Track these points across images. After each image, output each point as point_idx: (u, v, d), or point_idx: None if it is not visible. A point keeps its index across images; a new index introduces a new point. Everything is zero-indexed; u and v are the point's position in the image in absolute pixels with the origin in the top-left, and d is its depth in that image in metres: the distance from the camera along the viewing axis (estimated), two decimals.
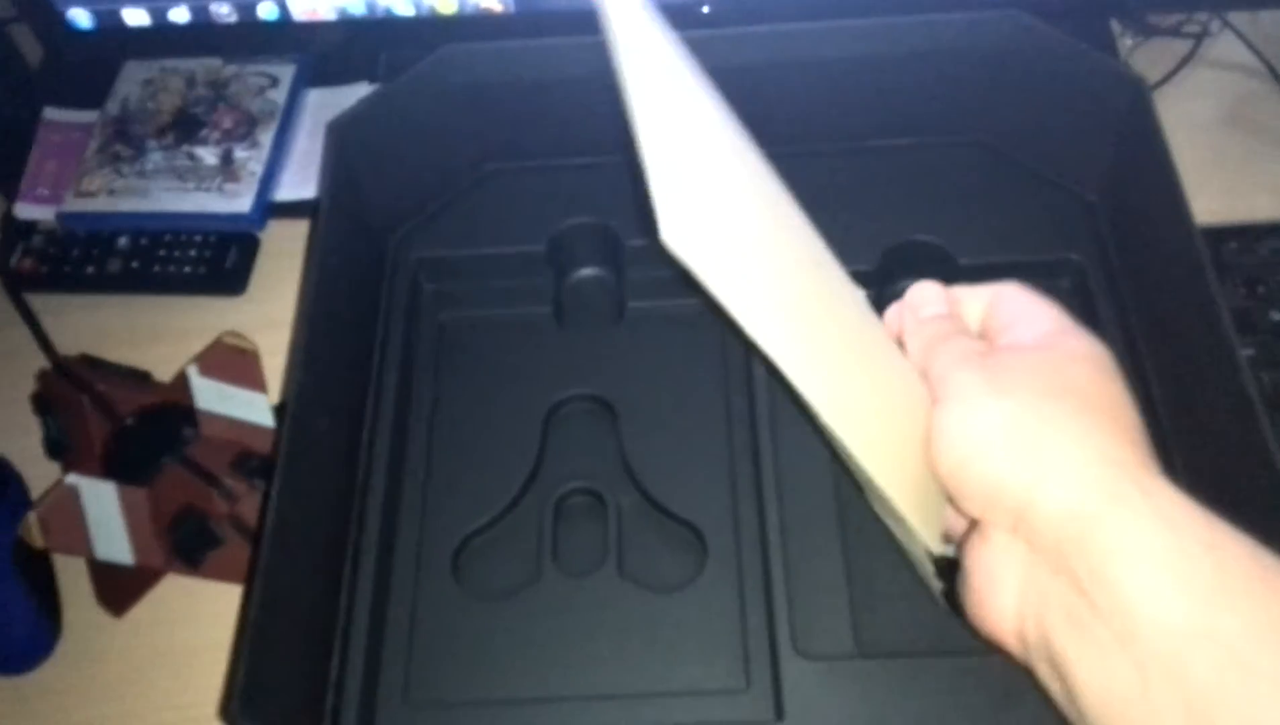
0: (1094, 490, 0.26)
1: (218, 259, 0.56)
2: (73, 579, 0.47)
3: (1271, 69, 0.58)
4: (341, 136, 0.43)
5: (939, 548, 0.32)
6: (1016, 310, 0.32)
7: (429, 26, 0.57)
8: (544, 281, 0.47)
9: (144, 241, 0.56)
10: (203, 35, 0.58)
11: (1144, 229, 0.42)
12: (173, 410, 0.46)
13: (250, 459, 0.45)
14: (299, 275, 0.55)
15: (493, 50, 0.45)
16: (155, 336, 0.54)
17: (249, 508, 0.44)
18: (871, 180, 0.46)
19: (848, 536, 0.39)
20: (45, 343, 0.45)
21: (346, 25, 0.58)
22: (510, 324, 0.46)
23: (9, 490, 0.47)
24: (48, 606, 0.45)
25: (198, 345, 0.49)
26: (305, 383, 0.36)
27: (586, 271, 0.48)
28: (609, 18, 0.25)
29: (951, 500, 0.30)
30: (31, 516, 0.43)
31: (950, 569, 0.33)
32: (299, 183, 0.57)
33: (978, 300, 0.33)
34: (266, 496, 0.33)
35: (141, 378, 0.49)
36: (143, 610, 0.46)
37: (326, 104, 0.60)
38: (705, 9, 0.55)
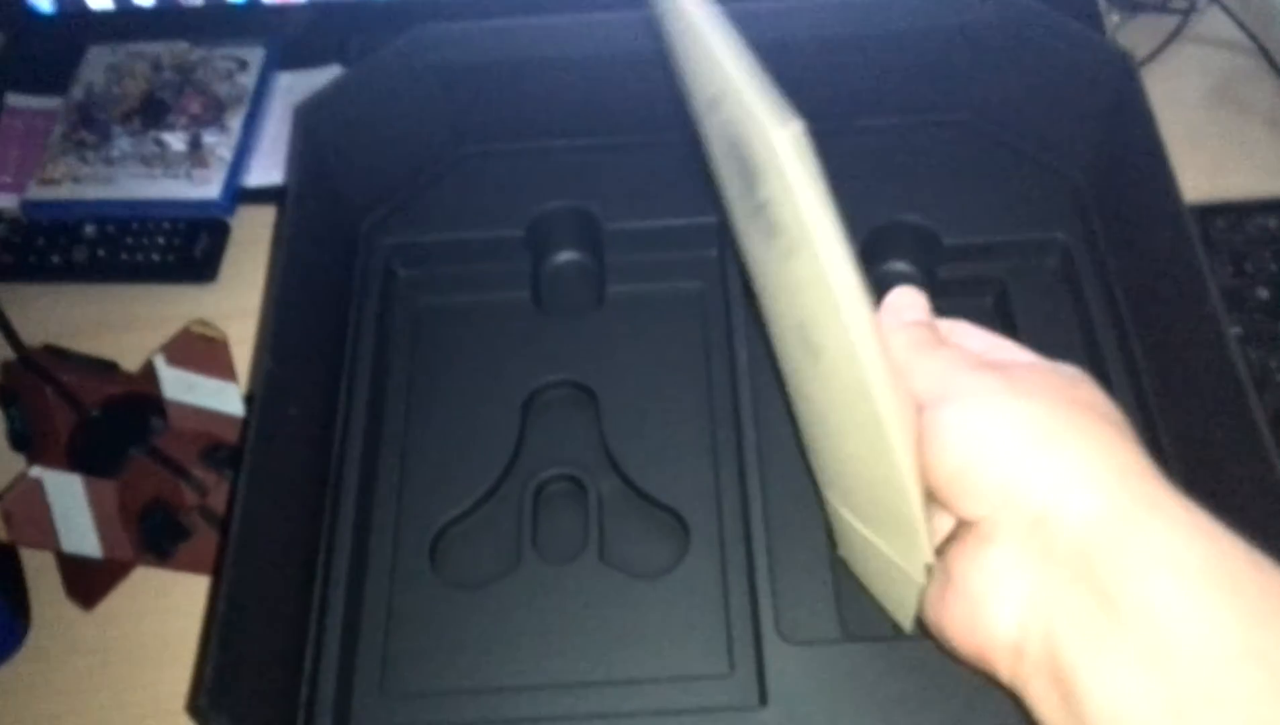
0: (1127, 496, 0.24)
1: (187, 246, 0.54)
2: (41, 573, 0.46)
3: (1260, 45, 0.57)
4: (310, 120, 0.42)
5: (928, 559, 0.30)
6: (990, 340, 0.31)
7: (401, 8, 0.56)
8: (522, 266, 0.46)
9: (111, 229, 0.55)
10: (168, 19, 0.57)
11: (1132, 207, 0.41)
12: (140, 401, 0.45)
13: (220, 449, 0.44)
14: (268, 267, 0.54)
15: (466, 30, 0.44)
16: (124, 326, 0.53)
17: (219, 499, 0.43)
18: (856, 159, 0.45)
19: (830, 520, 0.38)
20: (9, 333, 0.44)
21: (316, 7, 0.56)
22: (487, 310, 0.45)
23: None
24: (15, 600, 0.44)
25: (168, 334, 0.48)
26: (273, 370, 0.35)
27: (565, 256, 0.47)
28: None
29: (941, 504, 0.28)
30: None
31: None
32: (269, 168, 0.56)
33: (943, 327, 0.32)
34: (235, 486, 0.32)
35: (108, 368, 0.48)
36: (113, 603, 0.45)
37: (297, 87, 0.58)
38: None
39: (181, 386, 0.43)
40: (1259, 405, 0.33)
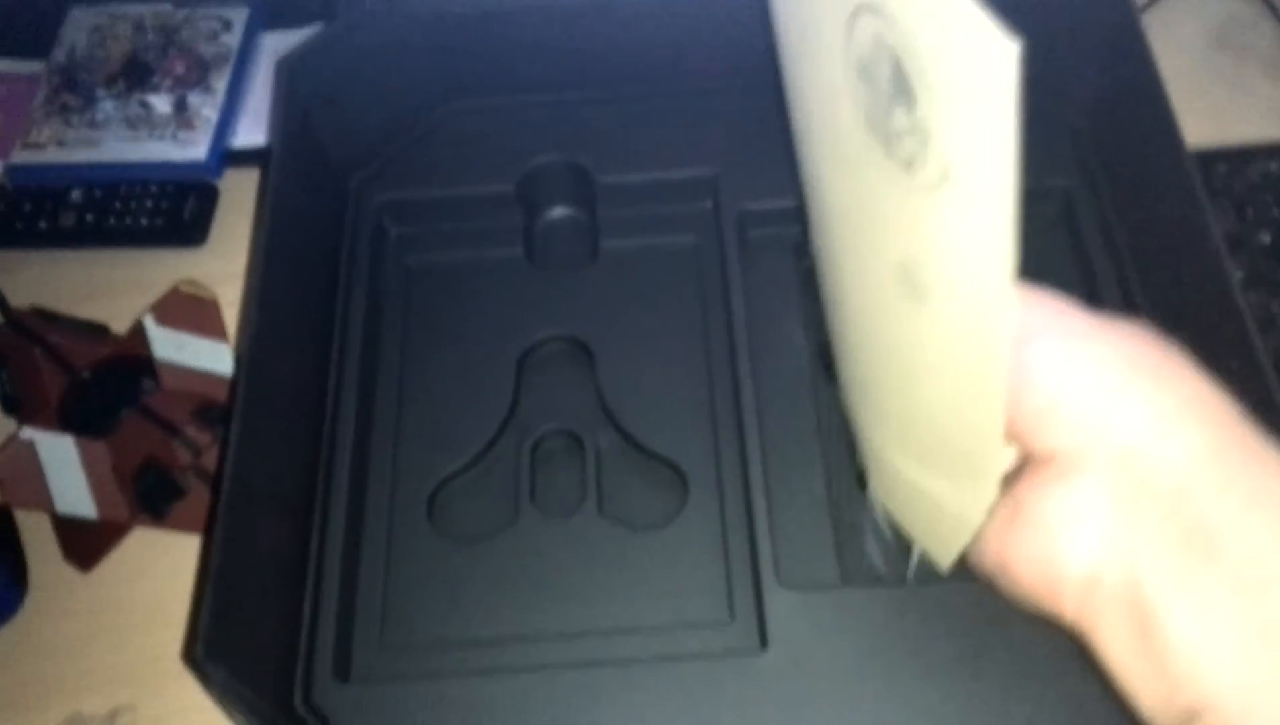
0: (1226, 435, 0.24)
1: (175, 210, 0.54)
2: (38, 537, 0.46)
3: None
4: (294, 73, 0.41)
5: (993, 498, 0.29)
6: None
7: None
8: (514, 222, 0.45)
9: (98, 194, 0.54)
10: None
11: (1133, 152, 0.41)
12: (130, 362, 0.44)
13: (213, 409, 0.43)
14: (253, 228, 0.53)
15: None
16: (113, 291, 0.52)
17: (213, 459, 0.43)
18: None
19: (830, 467, 0.38)
20: None
21: None
22: (480, 266, 0.45)
23: None
24: (13, 564, 0.44)
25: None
26: (261, 324, 0.35)
27: (558, 211, 0.46)
28: None
29: (1014, 437, 0.27)
30: None
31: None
32: (256, 129, 0.55)
33: None
34: (226, 437, 0.32)
35: (98, 330, 0.48)
36: (110, 565, 0.45)
37: (282, 47, 0.57)
38: None
39: (172, 346, 0.43)
40: (1263, 348, 0.32)
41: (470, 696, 0.33)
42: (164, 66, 0.57)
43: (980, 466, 0.27)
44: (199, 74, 0.56)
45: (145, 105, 0.56)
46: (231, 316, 0.49)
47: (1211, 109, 0.53)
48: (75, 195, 0.54)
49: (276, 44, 0.58)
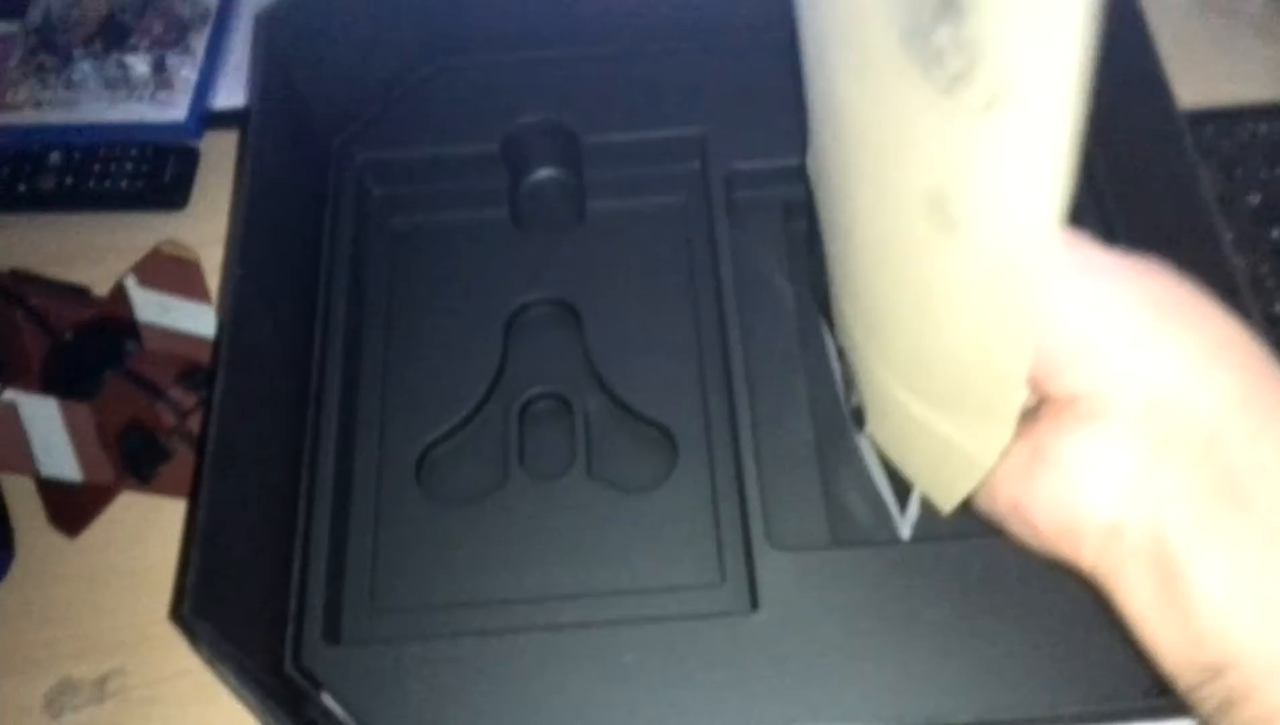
0: (1258, 382, 0.24)
1: (156, 172, 0.53)
2: (24, 503, 0.45)
3: None
4: (274, 28, 0.41)
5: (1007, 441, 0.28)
6: None
7: None
8: (499, 183, 0.45)
9: (77, 157, 0.53)
10: None
11: (1122, 112, 0.41)
12: (113, 324, 0.44)
13: (197, 371, 0.43)
14: (234, 189, 0.52)
15: None
16: (94, 255, 0.51)
17: (198, 421, 0.42)
18: None
19: (820, 428, 0.38)
20: None
21: None
22: (465, 228, 0.44)
23: None
24: None
25: None
26: (243, 284, 0.34)
27: (544, 172, 0.46)
28: None
29: (1036, 379, 0.26)
30: None
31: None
32: (238, 89, 0.54)
33: None
34: (210, 396, 0.32)
35: (79, 293, 0.47)
36: (97, 531, 0.45)
37: (264, 5, 0.56)
38: None
39: (154, 308, 0.43)
40: (1255, 308, 0.32)
41: (460, 658, 0.34)
42: (141, 26, 0.56)
43: (998, 406, 0.26)
44: (177, 34, 0.55)
45: (123, 66, 0.54)
46: (214, 280, 0.48)
47: (1200, 70, 0.52)
48: (54, 158, 0.53)
49: (256, 3, 0.57)
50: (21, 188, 0.53)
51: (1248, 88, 0.52)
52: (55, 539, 0.45)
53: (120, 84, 0.54)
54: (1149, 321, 0.24)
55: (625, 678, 0.33)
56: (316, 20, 0.42)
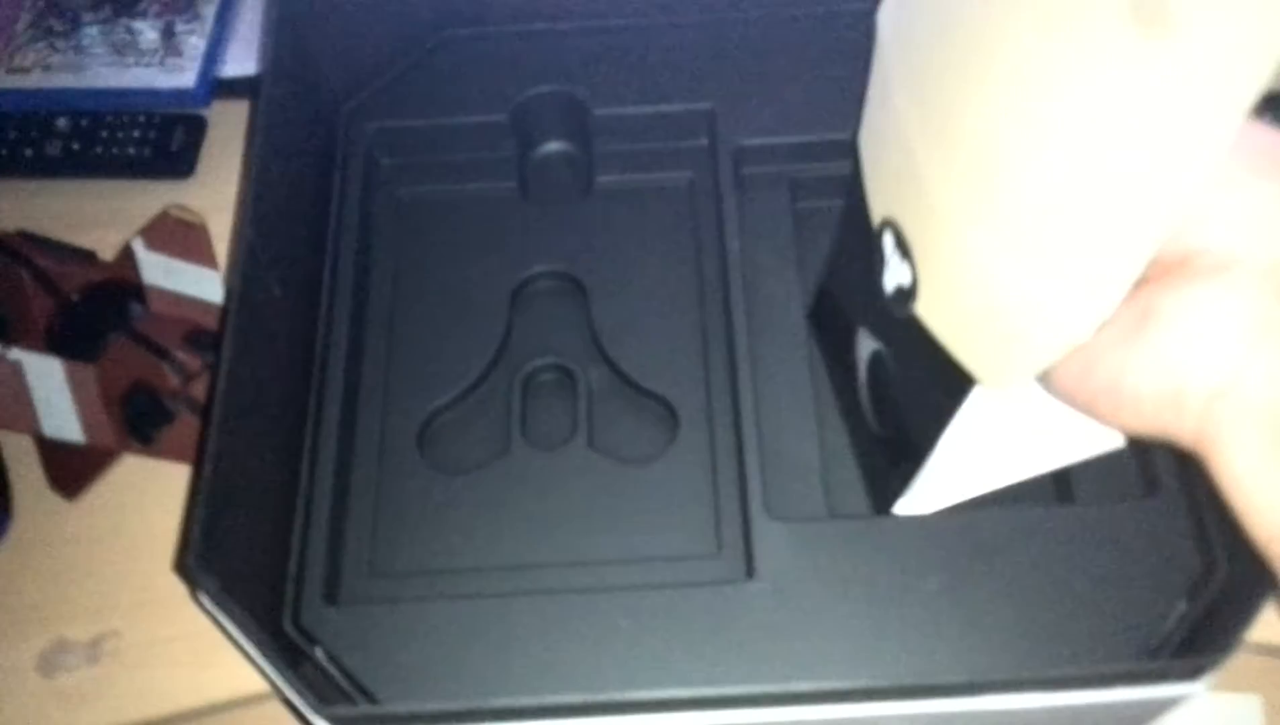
0: None
1: (163, 140, 0.53)
2: (24, 466, 0.45)
3: None
4: None
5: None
6: None
7: None
8: (508, 154, 0.45)
9: (84, 122, 0.53)
10: None
11: None
12: (119, 287, 0.44)
13: (202, 335, 0.43)
14: (244, 156, 0.52)
15: None
16: (99, 221, 0.52)
17: (202, 387, 0.42)
18: (846, 46, 0.44)
19: (821, 402, 0.38)
20: None
21: None
22: (473, 198, 0.44)
23: None
24: None
25: None
26: (254, 243, 0.35)
27: (553, 144, 0.46)
28: None
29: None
30: None
31: None
32: (246, 58, 0.55)
33: None
34: (216, 366, 0.32)
35: (86, 256, 0.47)
36: (96, 495, 0.45)
37: None
38: None
39: (161, 271, 0.43)
40: None
41: (457, 621, 0.34)
42: None
43: (1118, 264, 0.24)
44: (186, 1, 0.55)
45: (131, 31, 0.54)
46: (220, 247, 0.48)
47: None
48: (61, 123, 0.53)
49: None
50: (28, 153, 0.53)
51: None
52: (53, 501, 0.45)
53: (129, 49, 0.54)
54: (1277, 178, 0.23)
55: (621, 642, 0.33)
56: None
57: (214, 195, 0.52)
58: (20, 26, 0.55)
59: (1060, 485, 0.37)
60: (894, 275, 0.33)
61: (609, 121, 0.44)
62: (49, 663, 0.42)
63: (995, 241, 0.27)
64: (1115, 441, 0.34)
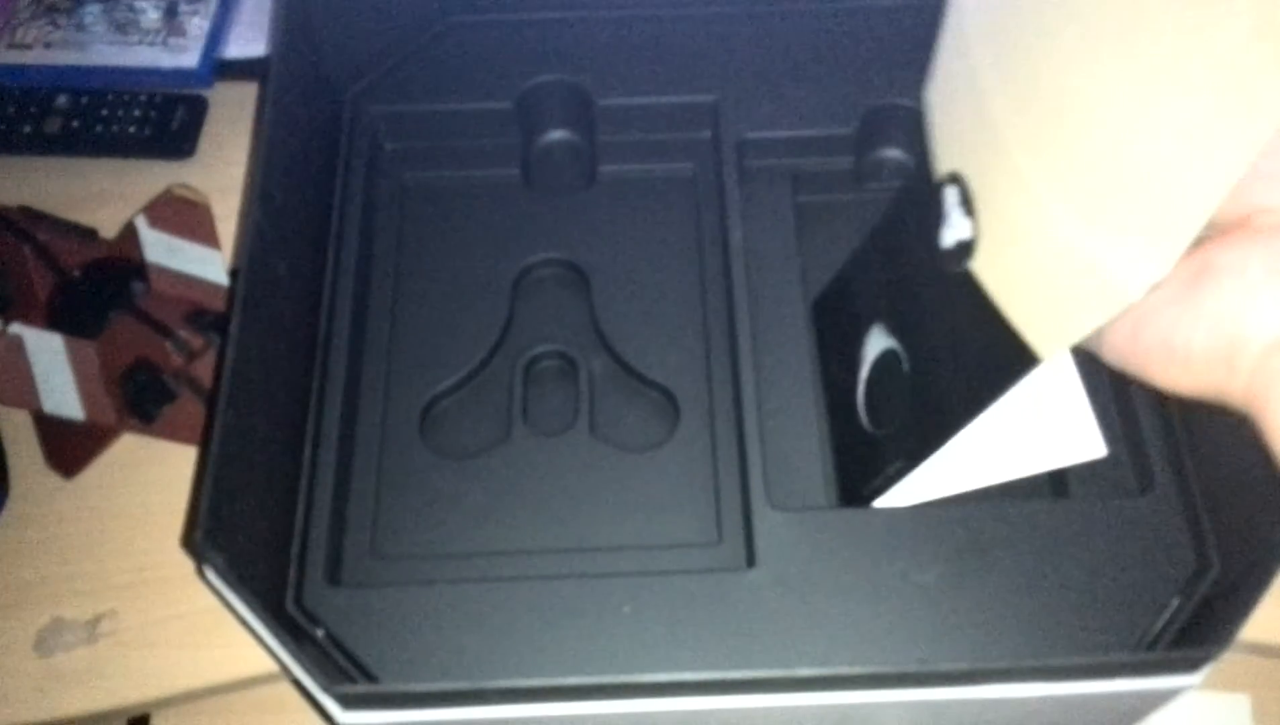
0: None
1: (164, 120, 0.53)
2: (22, 443, 0.45)
3: None
4: None
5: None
6: None
7: None
8: (512, 142, 0.45)
9: (85, 101, 0.53)
10: None
11: None
12: (121, 265, 0.44)
13: (205, 315, 0.43)
14: (250, 139, 0.52)
15: None
16: (97, 201, 0.51)
17: (204, 366, 0.42)
18: (850, 42, 0.45)
19: (822, 393, 0.39)
20: None
21: None
22: (476, 186, 0.44)
23: None
24: None
25: None
26: (262, 222, 0.35)
27: (556, 133, 0.46)
28: None
29: None
30: None
31: None
32: (249, 39, 0.54)
33: None
34: (224, 344, 0.32)
35: (87, 233, 0.47)
36: (94, 473, 0.45)
37: None
38: None
39: (163, 250, 0.42)
40: None
41: (458, 603, 0.34)
42: None
43: (1181, 219, 0.24)
44: None
45: (133, 10, 0.54)
46: (221, 230, 0.48)
47: None
48: (61, 101, 0.53)
49: None
50: (26, 129, 0.53)
51: None
52: (52, 480, 0.45)
53: (131, 28, 0.54)
54: None
55: (621, 627, 0.33)
56: None
57: (214, 176, 0.52)
58: (22, 2, 0.55)
59: (1056, 481, 0.37)
60: (954, 231, 0.33)
61: (613, 112, 0.44)
62: (46, 642, 0.42)
63: (1062, 194, 0.28)
64: (1098, 451, 0.35)
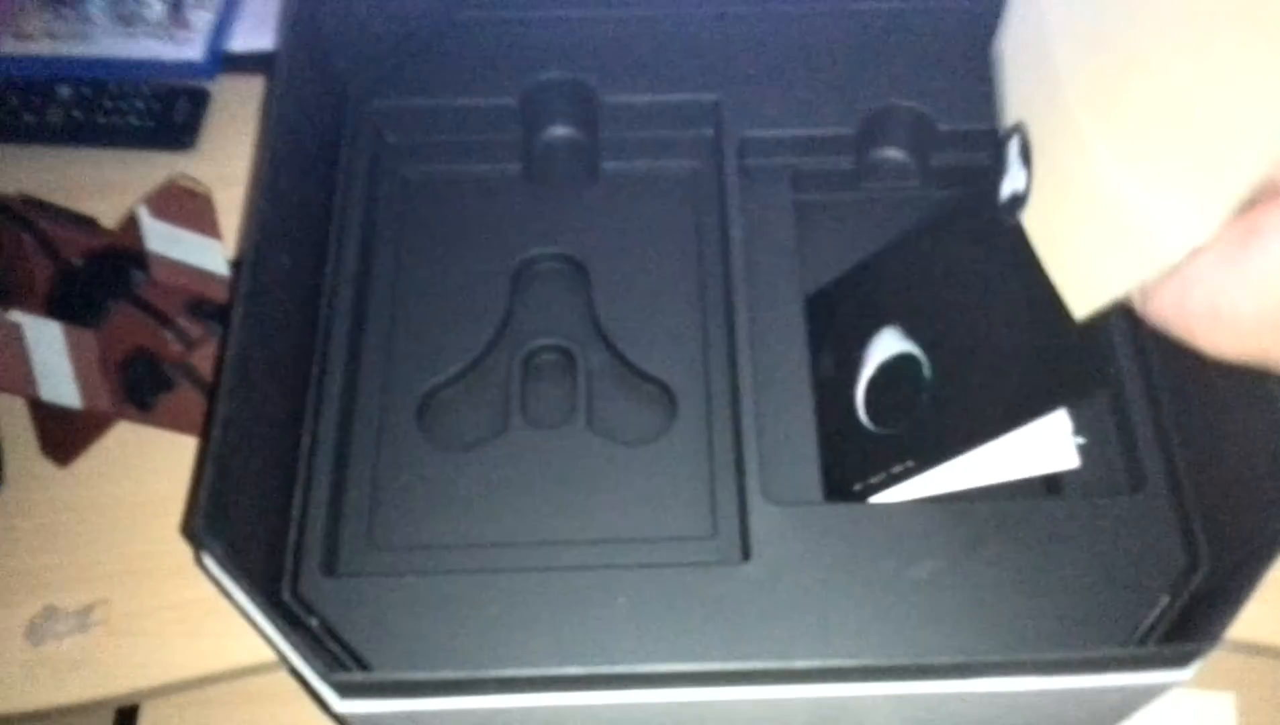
0: None
1: (166, 111, 0.53)
2: (16, 431, 0.45)
3: None
4: None
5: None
6: None
7: None
8: (514, 137, 0.45)
9: (87, 91, 0.53)
10: None
11: None
12: (121, 254, 0.44)
13: (205, 305, 0.43)
14: (252, 132, 0.53)
15: None
16: (99, 191, 0.51)
17: (203, 355, 0.42)
18: (852, 43, 0.45)
19: (818, 389, 0.39)
20: None
21: None
22: (478, 180, 0.44)
23: None
24: None
25: None
26: (267, 213, 0.35)
27: (559, 129, 0.46)
28: None
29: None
30: None
31: None
32: (254, 33, 0.54)
33: None
34: (226, 334, 0.32)
35: (88, 222, 0.47)
36: (88, 462, 0.45)
37: None
38: None
39: (164, 239, 0.42)
40: None
41: (453, 594, 0.34)
42: None
43: (1231, 180, 0.24)
44: None
45: (138, 2, 0.54)
46: (221, 221, 0.48)
47: None
48: (64, 91, 0.53)
49: None
50: (29, 119, 0.53)
51: None
52: (45, 468, 0.45)
53: (136, 20, 0.54)
54: None
55: (616, 618, 0.33)
56: None
57: (215, 168, 0.52)
58: None
59: (1049, 479, 0.38)
60: (1011, 182, 0.33)
61: (616, 109, 0.44)
62: (38, 630, 0.42)
63: (1114, 147, 0.28)
64: (1070, 462, 0.36)
